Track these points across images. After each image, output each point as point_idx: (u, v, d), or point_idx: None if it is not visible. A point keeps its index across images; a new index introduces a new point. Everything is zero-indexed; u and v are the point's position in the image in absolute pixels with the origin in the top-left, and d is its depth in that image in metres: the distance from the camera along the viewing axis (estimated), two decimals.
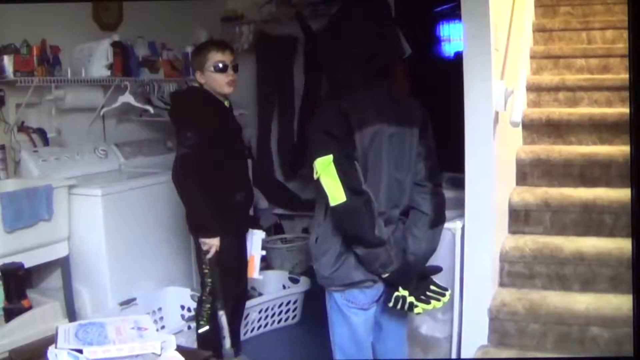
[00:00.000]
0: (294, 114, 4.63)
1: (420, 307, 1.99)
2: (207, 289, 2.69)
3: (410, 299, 1.98)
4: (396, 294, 1.99)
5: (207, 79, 2.66)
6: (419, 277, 2.03)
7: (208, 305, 2.70)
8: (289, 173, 4.66)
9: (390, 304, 2.00)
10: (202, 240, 2.61)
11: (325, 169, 1.94)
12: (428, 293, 2.02)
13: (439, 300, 2.02)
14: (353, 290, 2.06)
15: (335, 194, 1.93)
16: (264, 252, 2.85)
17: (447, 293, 2.06)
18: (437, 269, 2.09)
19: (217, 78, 2.64)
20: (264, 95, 4.64)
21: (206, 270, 2.67)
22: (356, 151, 1.97)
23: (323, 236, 2.06)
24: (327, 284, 2.09)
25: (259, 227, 2.88)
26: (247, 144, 4.35)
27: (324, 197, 1.99)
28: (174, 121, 2.71)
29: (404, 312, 2.08)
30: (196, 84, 2.76)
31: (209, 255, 2.61)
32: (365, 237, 1.96)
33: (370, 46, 2.01)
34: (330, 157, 1.94)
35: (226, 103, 2.73)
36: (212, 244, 2.60)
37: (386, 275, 2.00)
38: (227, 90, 2.67)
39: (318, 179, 1.97)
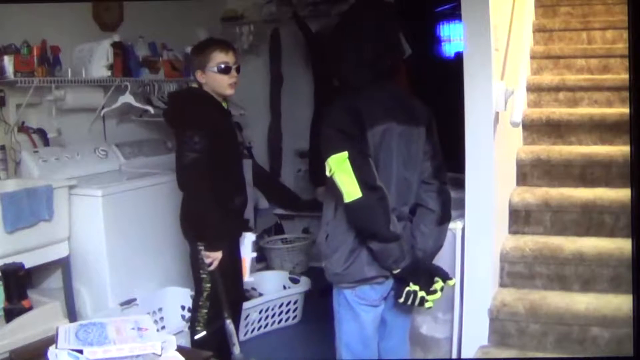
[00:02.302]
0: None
1: (430, 302, 2.03)
2: (205, 294, 2.65)
3: (421, 293, 2.01)
4: (407, 289, 2.01)
5: (209, 80, 2.59)
6: (427, 273, 2.06)
7: (205, 311, 2.65)
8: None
9: (401, 300, 2.02)
10: (206, 253, 2.57)
11: (340, 165, 1.95)
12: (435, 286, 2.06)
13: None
14: (364, 287, 2.07)
15: (351, 190, 1.94)
16: (254, 255, 2.80)
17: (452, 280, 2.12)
18: (447, 276, 2.11)
19: (220, 79, 2.59)
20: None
21: (204, 276, 2.63)
22: (369, 148, 1.99)
23: (334, 233, 2.07)
24: (338, 281, 2.10)
25: (249, 229, 2.84)
26: (248, 144, 4.35)
27: (334, 194, 2.00)
28: (174, 124, 2.67)
29: (412, 308, 2.10)
30: (195, 84, 2.73)
31: (212, 268, 2.57)
32: (381, 232, 1.97)
33: (380, 47, 2.03)
34: (346, 153, 1.95)
35: (224, 105, 2.70)
36: (216, 257, 2.56)
37: (397, 270, 2.02)
38: (228, 91, 2.63)
39: (331, 177, 1.98)
